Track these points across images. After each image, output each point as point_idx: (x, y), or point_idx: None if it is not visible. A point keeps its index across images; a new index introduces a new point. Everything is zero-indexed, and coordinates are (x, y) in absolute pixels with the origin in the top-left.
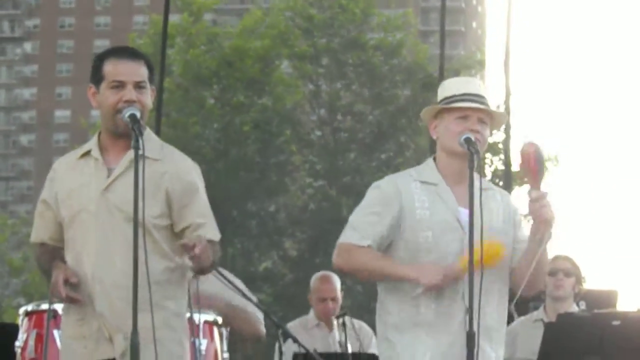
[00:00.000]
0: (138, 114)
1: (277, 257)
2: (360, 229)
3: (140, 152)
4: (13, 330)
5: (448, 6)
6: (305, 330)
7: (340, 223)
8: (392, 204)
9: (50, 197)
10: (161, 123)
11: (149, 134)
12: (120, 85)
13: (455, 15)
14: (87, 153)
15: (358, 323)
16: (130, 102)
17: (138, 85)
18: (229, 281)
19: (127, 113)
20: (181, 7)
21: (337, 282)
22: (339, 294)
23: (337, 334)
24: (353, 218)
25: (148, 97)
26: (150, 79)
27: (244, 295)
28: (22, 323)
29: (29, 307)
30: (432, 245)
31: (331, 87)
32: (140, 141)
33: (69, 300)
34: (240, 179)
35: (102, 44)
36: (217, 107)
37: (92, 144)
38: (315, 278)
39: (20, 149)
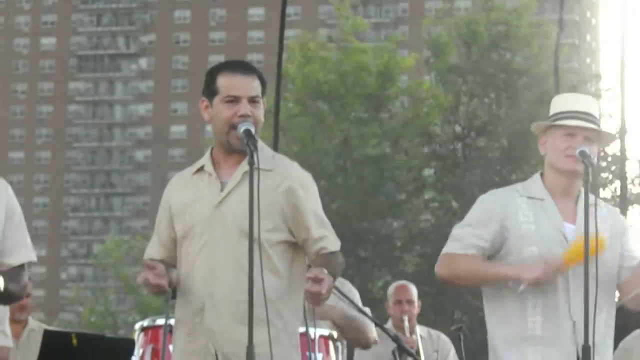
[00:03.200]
0: (253, 130)
1: (395, 273)
2: (464, 240)
3: (259, 166)
4: (129, 345)
5: (565, 19)
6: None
7: None
8: (495, 218)
9: (164, 215)
10: (279, 139)
11: (261, 146)
12: (234, 100)
13: (569, 28)
14: (200, 169)
15: (436, 333)
16: (245, 117)
17: (252, 100)
18: (342, 294)
19: (242, 128)
20: (300, 21)
21: (412, 288)
22: (415, 299)
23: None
24: (456, 230)
25: (261, 112)
26: (262, 93)
27: (357, 307)
28: (138, 338)
29: (145, 323)
30: (538, 260)
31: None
32: (256, 157)
33: (155, 287)
34: (360, 193)
35: (217, 60)
36: (337, 122)
37: (205, 160)
38: (391, 286)
39: (136, 165)
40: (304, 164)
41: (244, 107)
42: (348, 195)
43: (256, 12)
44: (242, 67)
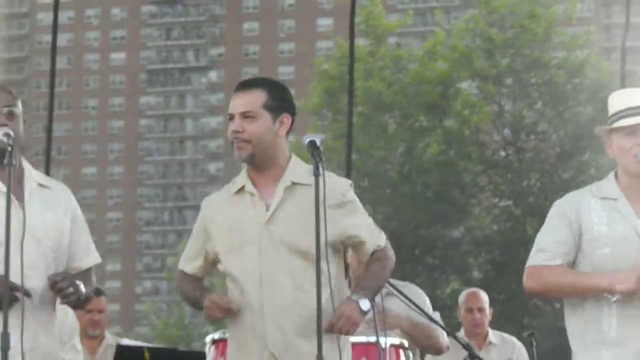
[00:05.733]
0: (318, 141)
1: (464, 279)
2: (548, 249)
3: (297, 181)
4: (201, 358)
5: (631, 22)
6: None
7: (526, 243)
8: (571, 221)
9: (202, 232)
10: (352, 150)
11: (298, 161)
12: (231, 117)
13: (638, 30)
14: (241, 189)
15: (510, 339)
16: (235, 133)
17: (244, 116)
18: (411, 300)
19: (306, 140)
20: (365, 31)
21: (483, 295)
22: (486, 306)
23: (487, 351)
24: (539, 239)
25: (258, 126)
26: (272, 107)
27: (426, 314)
28: (209, 351)
29: (216, 335)
30: (611, 261)
31: (514, 107)
32: (321, 168)
33: (226, 314)
34: (425, 202)
35: (286, 71)
36: (400, 132)
37: (244, 180)
38: (462, 294)
39: (208, 178)
40: (370, 174)
41: (235, 124)
42: (414, 203)
43: (325, 22)
44: (242, 84)
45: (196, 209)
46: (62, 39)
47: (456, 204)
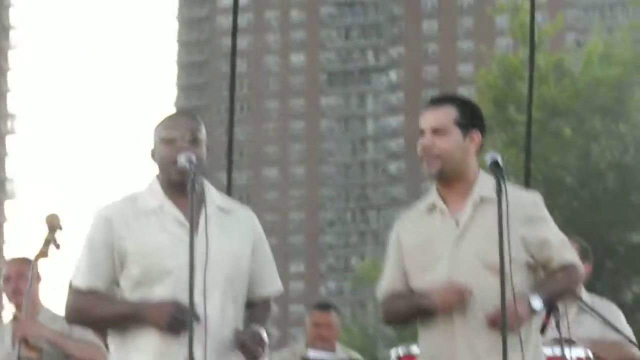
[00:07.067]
0: (500, 160)
1: None
2: None
3: (486, 195)
4: None
5: None
6: None
7: None
8: None
9: (397, 250)
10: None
11: (484, 174)
12: (421, 133)
13: None
14: (431, 207)
15: None
16: (425, 148)
17: (435, 131)
18: (600, 315)
19: (489, 159)
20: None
21: None
22: None
23: None
24: None
25: (449, 142)
26: (463, 123)
27: (614, 328)
28: None
29: (400, 351)
30: None
31: None
32: (503, 185)
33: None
34: (602, 208)
35: (465, 69)
36: (575, 137)
37: (433, 197)
38: None
39: (389, 177)
40: (547, 180)
41: (425, 139)
42: (594, 208)
43: (505, 19)
44: (433, 100)
45: (378, 208)
46: (242, 42)
47: (635, 207)
